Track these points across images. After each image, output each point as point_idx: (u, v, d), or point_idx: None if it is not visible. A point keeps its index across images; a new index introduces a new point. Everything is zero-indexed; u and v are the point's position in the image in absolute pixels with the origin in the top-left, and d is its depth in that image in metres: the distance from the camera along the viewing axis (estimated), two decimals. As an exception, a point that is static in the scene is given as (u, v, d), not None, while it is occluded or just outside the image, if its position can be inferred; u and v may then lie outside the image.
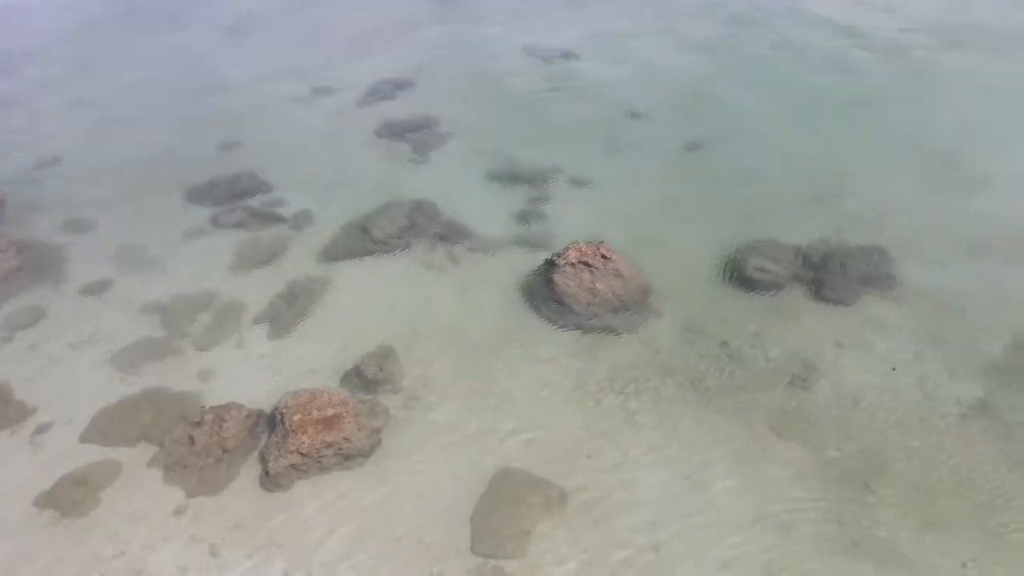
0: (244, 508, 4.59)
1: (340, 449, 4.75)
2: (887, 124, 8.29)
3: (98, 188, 8.00)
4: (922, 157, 7.61)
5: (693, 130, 8.35)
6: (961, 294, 5.83)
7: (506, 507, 4.50)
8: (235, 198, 7.66)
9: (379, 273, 6.54)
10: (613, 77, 9.80)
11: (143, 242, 7.07)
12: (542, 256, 6.27)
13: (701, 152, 8.06)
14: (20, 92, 10.61)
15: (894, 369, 5.21)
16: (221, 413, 5.00)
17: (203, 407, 5.19)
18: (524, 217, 7.13)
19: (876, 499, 4.42)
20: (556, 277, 5.93)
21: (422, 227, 7.00)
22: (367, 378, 5.34)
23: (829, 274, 5.99)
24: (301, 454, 4.71)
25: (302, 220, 7.28)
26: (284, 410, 4.89)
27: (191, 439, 4.92)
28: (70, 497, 4.72)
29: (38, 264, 6.87)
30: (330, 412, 4.84)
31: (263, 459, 4.81)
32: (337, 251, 6.79)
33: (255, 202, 7.60)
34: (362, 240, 6.84)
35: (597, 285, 5.90)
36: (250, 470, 4.82)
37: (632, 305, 5.93)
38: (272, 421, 4.98)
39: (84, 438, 5.14)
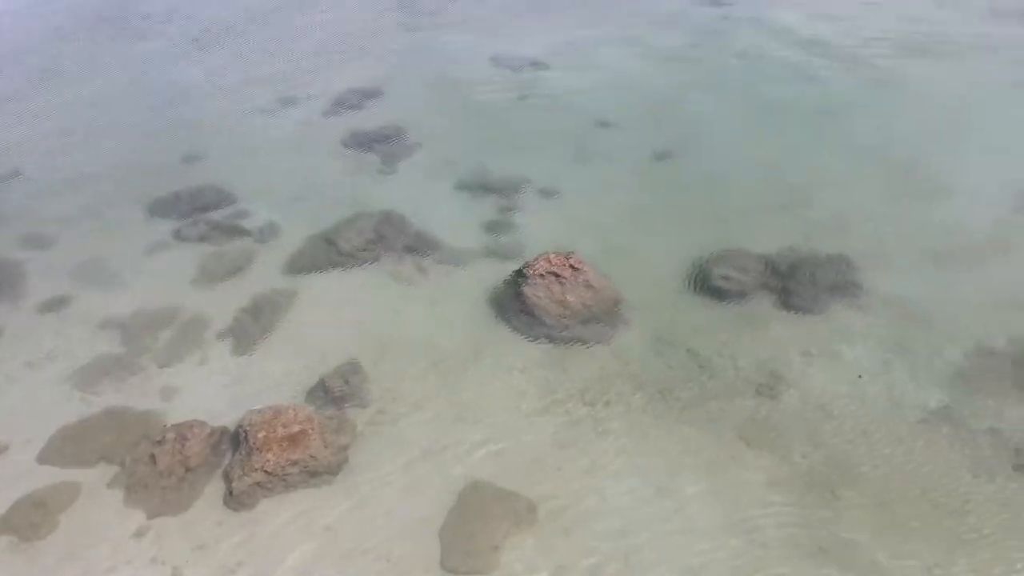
0: (207, 528, 4.48)
1: (306, 466, 4.66)
2: (851, 134, 8.42)
3: (59, 202, 7.83)
4: (885, 166, 7.73)
5: (661, 140, 8.41)
6: (925, 302, 5.91)
7: (475, 520, 4.45)
8: (198, 211, 7.54)
9: (346, 286, 6.47)
10: (581, 86, 9.84)
11: (104, 257, 6.92)
12: (511, 267, 6.25)
13: (669, 161, 8.11)
14: (-23, 103, 10.37)
15: (860, 377, 5.26)
16: (183, 431, 4.89)
17: (165, 425, 5.07)
18: (493, 228, 7.10)
19: (843, 505, 4.44)
20: (526, 289, 5.91)
21: (390, 239, 6.95)
22: (333, 393, 5.27)
23: (797, 283, 6.04)
24: (266, 472, 4.61)
25: (267, 233, 7.18)
26: (248, 427, 4.80)
27: (152, 458, 4.80)
28: (28, 520, 4.57)
29: (-6, 280, 6.70)
30: (295, 429, 4.76)
31: (227, 478, 4.71)
32: (303, 264, 6.71)
33: (219, 215, 7.48)
34: (329, 252, 6.76)
35: (567, 296, 5.89)
36: (214, 489, 4.71)
37: (602, 316, 5.93)
38: (236, 439, 4.89)
39: (42, 459, 5.00)
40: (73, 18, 13.44)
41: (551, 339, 5.77)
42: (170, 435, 4.87)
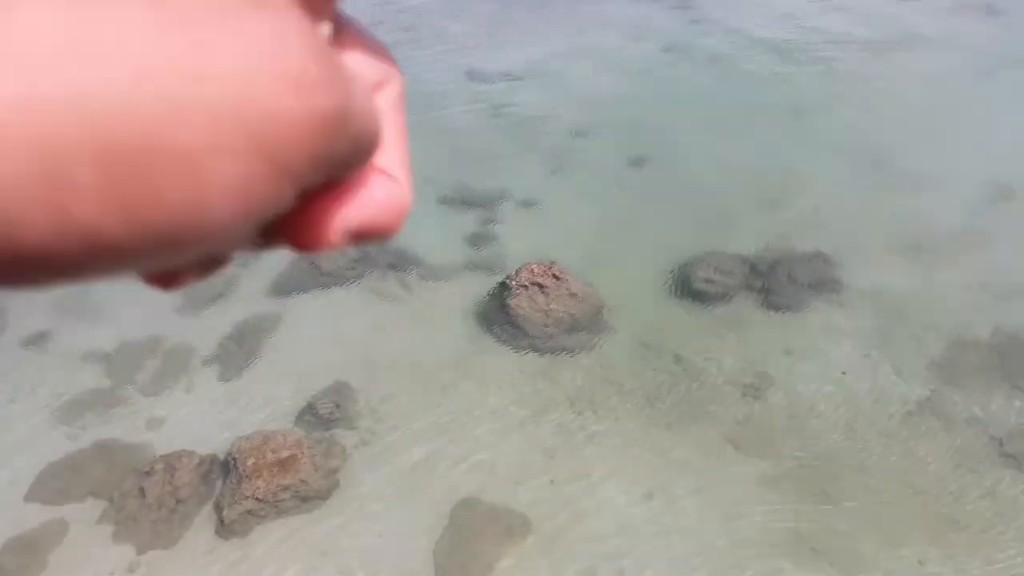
0: (199, 560, 4.46)
1: (297, 492, 4.65)
2: (823, 132, 8.53)
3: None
4: (858, 162, 7.83)
5: (636, 147, 8.47)
6: (904, 295, 5.99)
7: (469, 538, 4.45)
8: (179, 237, 7.51)
9: (330, 306, 6.47)
10: (555, 97, 9.91)
11: (86, 289, 6.87)
12: (495, 280, 6.27)
13: (645, 168, 8.17)
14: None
15: (844, 373, 5.32)
16: (172, 462, 4.86)
17: (153, 456, 5.04)
18: (475, 241, 7.13)
19: (832, 504, 4.49)
20: (510, 300, 5.93)
21: (373, 257, 6.95)
22: (322, 416, 5.26)
23: (777, 282, 6.11)
24: (257, 499, 4.60)
25: (249, 257, 7.16)
26: (237, 455, 4.78)
27: (141, 491, 4.77)
28: (16, 562, 4.53)
29: (-27, 317, 6.64)
30: (285, 454, 4.74)
31: (218, 507, 4.69)
32: (287, 286, 6.70)
33: (200, 240, 7.45)
34: (311, 273, 6.76)
35: (551, 306, 5.92)
36: (205, 520, 4.69)
37: (586, 324, 5.96)
38: (226, 467, 4.87)
39: (29, 498, 4.95)
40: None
41: (537, 349, 5.80)
42: (159, 466, 4.84)
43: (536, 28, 12.53)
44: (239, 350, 6.02)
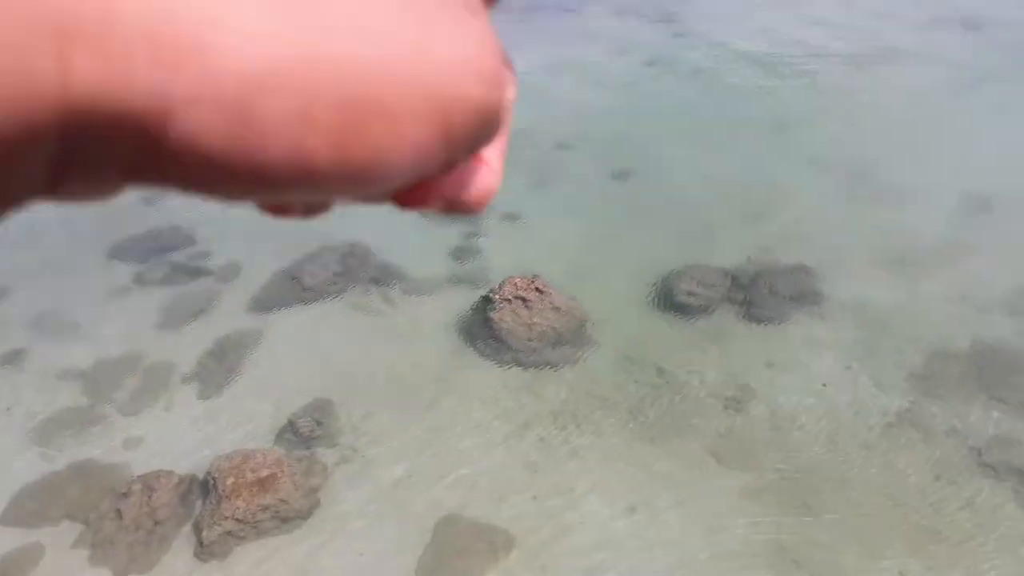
0: (178, 582, 4.40)
1: (277, 512, 4.60)
2: (804, 146, 8.60)
3: (12, 252, 7.68)
4: (839, 176, 7.91)
5: (619, 160, 8.51)
6: (885, 307, 6.03)
7: (452, 556, 4.42)
8: (160, 253, 7.45)
9: (313, 322, 6.43)
10: (539, 111, 9.93)
11: (62, 306, 6.80)
12: (478, 293, 6.26)
13: (628, 181, 8.21)
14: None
15: (824, 385, 5.34)
16: (150, 482, 4.79)
17: (131, 477, 4.97)
18: (458, 255, 7.12)
19: (813, 517, 4.50)
20: (493, 314, 5.92)
21: (356, 272, 6.92)
22: (302, 434, 5.21)
23: (759, 295, 6.13)
24: (237, 520, 4.54)
25: (229, 272, 7.11)
26: (216, 474, 4.72)
27: (119, 513, 4.70)
28: (-11, 587, 4.45)
29: (-51, 336, 6.54)
30: (264, 473, 4.69)
31: (197, 528, 4.62)
32: (268, 302, 6.65)
33: (180, 256, 7.40)
34: (293, 289, 6.72)
35: (534, 320, 5.91)
36: (184, 541, 4.62)
37: (569, 338, 5.95)
38: (205, 487, 4.81)
39: (3, 520, 4.86)
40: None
41: (520, 363, 5.78)
42: (136, 487, 4.78)
43: (520, 42, 12.57)
44: (219, 367, 5.96)
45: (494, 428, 5.25)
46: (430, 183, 0.42)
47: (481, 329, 6.00)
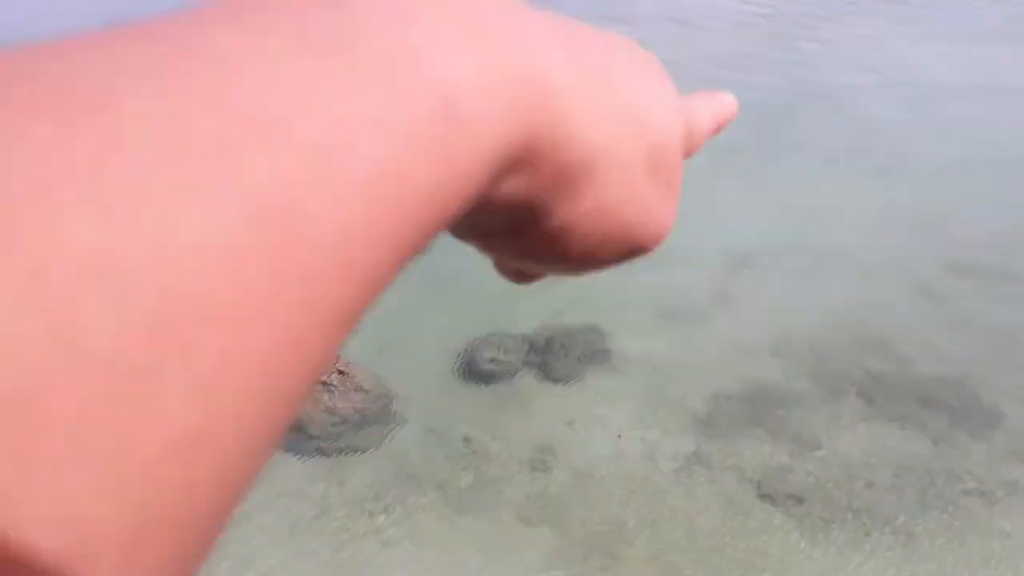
0: None
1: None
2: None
3: None
4: (619, 240, 8.54)
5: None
6: (667, 358, 6.52)
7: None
8: None
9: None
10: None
11: None
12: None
13: (431, 254, 8.30)
14: None
15: (620, 436, 5.63)
16: None
17: None
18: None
19: (621, 563, 4.65)
20: (290, 402, 5.64)
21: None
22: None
23: (553, 356, 6.40)
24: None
25: None
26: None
27: None
28: None
29: None
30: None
31: None
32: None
33: None
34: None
35: (337, 404, 5.71)
36: None
37: (376, 418, 5.81)
38: None
39: None
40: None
41: (323, 452, 5.53)
42: None
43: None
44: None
45: (295, 522, 4.95)
46: None
47: (280, 418, 5.68)
